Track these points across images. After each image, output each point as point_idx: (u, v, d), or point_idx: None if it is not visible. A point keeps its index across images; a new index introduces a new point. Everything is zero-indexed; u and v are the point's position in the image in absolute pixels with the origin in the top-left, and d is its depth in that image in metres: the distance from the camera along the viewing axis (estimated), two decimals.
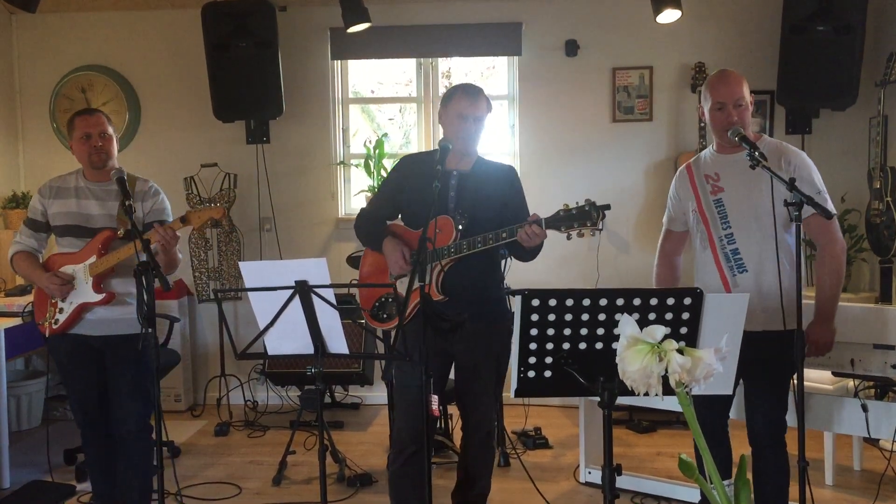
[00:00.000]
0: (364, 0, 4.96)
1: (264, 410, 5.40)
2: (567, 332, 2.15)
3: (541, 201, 5.26)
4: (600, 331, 2.15)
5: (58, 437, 4.10)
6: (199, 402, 5.60)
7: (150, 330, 2.88)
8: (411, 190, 3.10)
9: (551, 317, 2.14)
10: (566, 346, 2.17)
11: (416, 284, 2.68)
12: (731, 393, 2.47)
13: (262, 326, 2.66)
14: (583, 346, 2.17)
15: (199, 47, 5.19)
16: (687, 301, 2.14)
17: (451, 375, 3.22)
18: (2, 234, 5.14)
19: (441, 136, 3.19)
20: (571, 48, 5.37)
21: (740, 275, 2.97)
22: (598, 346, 2.16)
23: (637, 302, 2.13)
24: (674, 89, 5.39)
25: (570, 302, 2.13)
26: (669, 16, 4.82)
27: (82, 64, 5.59)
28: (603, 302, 2.13)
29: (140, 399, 3.35)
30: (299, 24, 5.47)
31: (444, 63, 5.73)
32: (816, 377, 3.86)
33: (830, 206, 2.93)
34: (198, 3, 5.13)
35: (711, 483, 1.48)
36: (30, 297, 4.44)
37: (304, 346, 2.68)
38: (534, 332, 2.16)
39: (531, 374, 2.20)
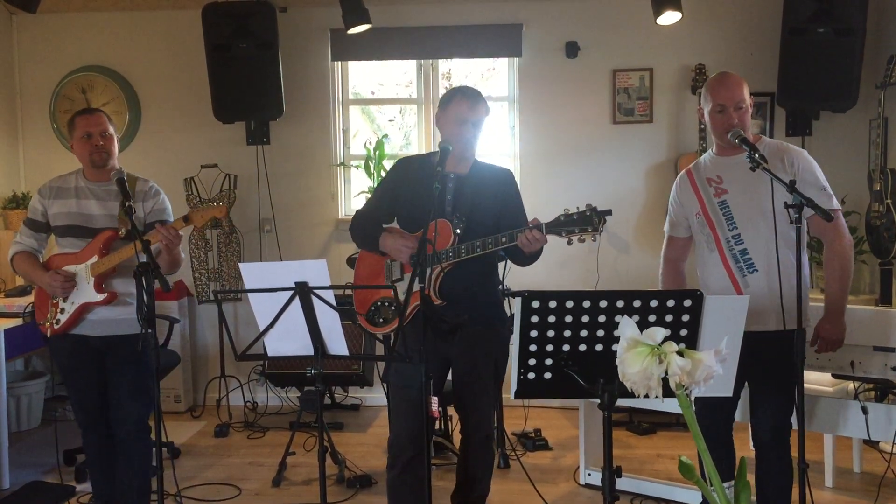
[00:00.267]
0: (365, 1, 4.96)
1: (264, 411, 5.40)
2: (567, 333, 2.15)
3: (541, 203, 5.30)
4: (600, 332, 2.15)
5: (58, 438, 4.09)
6: (198, 403, 5.60)
7: (149, 331, 2.88)
8: (408, 193, 3.08)
9: (551, 318, 2.14)
10: (566, 347, 2.17)
11: (416, 287, 2.67)
12: (730, 395, 2.47)
13: (261, 327, 2.66)
14: (583, 347, 2.17)
15: (200, 48, 5.19)
16: (687, 303, 2.14)
17: (449, 378, 3.21)
18: (2, 234, 5.14)
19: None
20: (572, 50, 5.38)
21: (750, 275, 2.97)
22: (598, 347, 2.16)
23: (637, 304, 2.13)
24: (674, 91, 5.40)
25: (570, 304, 2.13)
26: (670, 17, 4.82)
27: (83, 64, 5.60)
28: (603, 304, 2.13)
29: (140, 400, 3.35)
30: (300, 25, 5.47)
31: (444, 64, 5.74)
32: (816, 379, 3.86)
33: (835, 203, 2.95)
34: (198, 4, 5.14)
35: (711, 485, 1.48)
36: (30, 298, 4.44)
37: (304, 347, 2.68)
38: (534, 333, 2.16)
39: (531, 375, 2.20)
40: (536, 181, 5.45)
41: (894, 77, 4.66)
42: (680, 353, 1.47)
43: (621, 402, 2.21)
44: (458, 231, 2.94)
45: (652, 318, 2.13)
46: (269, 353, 2.76)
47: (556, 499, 3.91)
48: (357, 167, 5.61)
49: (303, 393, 4.98)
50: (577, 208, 2.78)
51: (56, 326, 3.33)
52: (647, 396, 1.51)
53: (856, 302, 4.80)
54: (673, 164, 5.32)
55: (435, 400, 2.73)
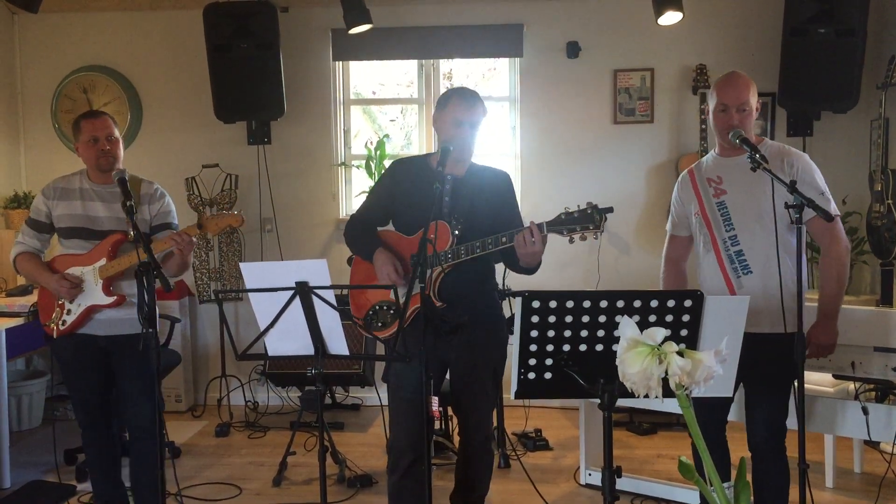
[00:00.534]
0: (366, 1, 4.96)
1: (265, 411, 5.40)
2: (567, 333, 2.15)
3: (541, 202, 5.33)
4: (600, 333, 2.15)
5: (58, 437, 4.10)
6: (199, 403, 5.60)
7: (150, 330, 2.89)
8: (404, 194, 3.05)
9: (552, 318, 2.14)
10: (566, 347, 2.17)
11: (416, 289, 2.66)
12: (730, 395, 2.47)
13: (262, 327, 2.66)
14: (583, 347, 2.17)
15: (201, 48, 5.20)
16: (687, 303, 2.14)
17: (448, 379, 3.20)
18: (3, 233, 5.14)
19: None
20: (573, 50, 5.38)
21: (745, 276, 2.97)
22: (599, 347, 2.16)
23: (637, 304, 2.13)
24: (675, 91, 5.40)
25: (570, 304, 2.13)
26: (671, 18, 4.82)
27: (84, 64, 5.60)
28: (603, 304, 2.13)
29: (151, 397, 3.37)
30: (301, 25, 5.48)
31: (445, 64, 5.74)
32: (817, 380, 3.86)
33: (833, 208, 2.93)
34: (199, 4, 5.14)
35: (711, 485, 1.48)
36: (31, 298, 4.46)
37: (305, 346, 2.68)
38: (534, 333, 2.16)
39: (531, 375, 2.20)
40: (537, 181, 5.46)
41: (895, 77, 4.66)
42: (680, 353, 1.48)
43: (622, 402, 2.21)
44: (457, 233, 2.92)
45: (652, 318, 2.13)
46: (270, 353, 2.76)
47: (556, 499, 3.91)
48: (358, 167, 5.62)
49: (303, 393, 4.99)
50: (578, 206, 2.77)
51: (62, 327, 3.34)
52: (647, 396, 1.51)
53: (856, 302, 4.80)
54: (674, 165, 5.32)
55: (435, 400, 2.72)
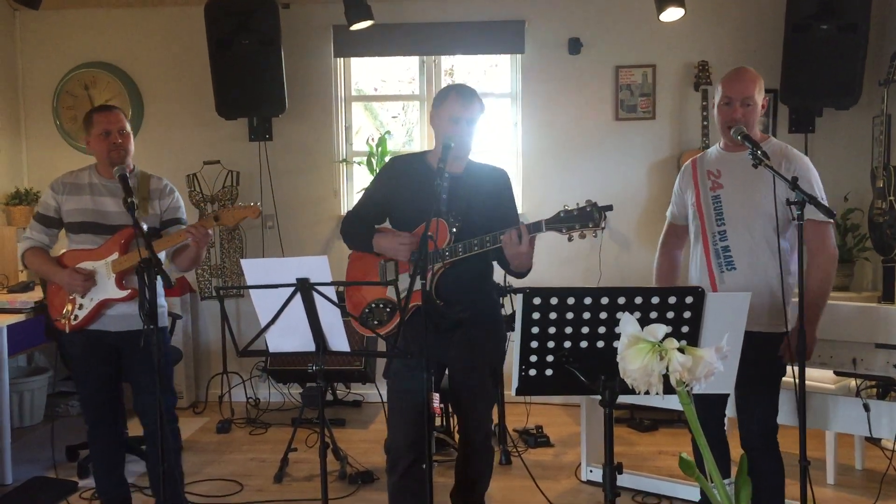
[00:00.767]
0: None
1: (266, 408, 5.41)
2: (568, 330, 2.15)
3: (543, 199, 5.32)
4: (602, 329, 2.15)
5: (60, 434, 4.11)
6: (200, 399, 5.61)
7: (151, 327, 2.89)
8: (402, 192, 3.03)
9: (553, 315, 2.14)
10: (567, 344, 2.17)
11: (417, 286, 2.66)
12: (731, 392, 2.47)
13: (263, 324, 2.66)
14: (584, 344, 2.17)
15: (203, 44, 5.20)
16: (688, 300, 2.13)
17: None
18: (4, 230, 5.15)
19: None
20: (574, 46, 5.37)
21: (728, 272, 2.96)
22: (600, 344, 2.16)
23: (638, 300, 2.13)
24: (677, 88, 5.39)
25: (571, 300, 2.13)
26: (672, 14, 4.82)
27: (85, 61, 5.60)
28: (604, 300, 2.13)
29: (169, 389, 3.41)
30: (302, 22, 5.47)
31: (447, 61, 5.73)
32: (818, 376, 3.86)
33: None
34: (201, 1, 5.14)
35: (712, 482, 1.49)
36: (33, 294, 4.46)
37: (306, 343, 2.68)
38: (535, 330, 2.16)
39: (532, 372, 2.20)
40: (539, 178, 5.45)
41: None
42: (681, 350, 1.48)
43: (623, 398, 2.21)
44: (455, 230, 2.90)
45: (653, 314, 2.13)
46: (271, 350, 2.76)
47: (557, 495, 3.91)
48: (360, 164, 5.61)
49: (304, 389, 5.00)
50: (577, 204, 2.74)
51: (74, 322, 3.34)
52: (647, 393, 1.51)
53: (858, 299, 4.80)
54: (675, 161, 5.31)
55: (436, 396, 2.72)
